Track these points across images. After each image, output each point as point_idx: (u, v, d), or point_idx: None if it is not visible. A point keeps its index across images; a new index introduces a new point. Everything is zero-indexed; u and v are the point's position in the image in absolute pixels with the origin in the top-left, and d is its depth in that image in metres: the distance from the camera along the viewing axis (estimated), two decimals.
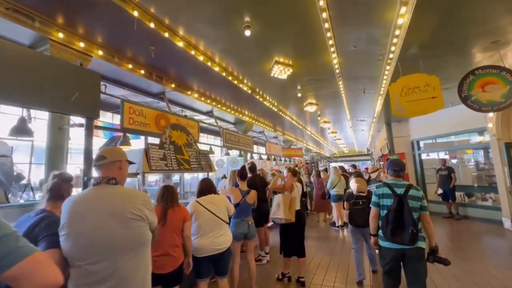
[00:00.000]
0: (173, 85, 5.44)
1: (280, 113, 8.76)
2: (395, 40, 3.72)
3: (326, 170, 9.23)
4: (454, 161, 9.05)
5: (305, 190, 6.80)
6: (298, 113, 9.51)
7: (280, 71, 5.14)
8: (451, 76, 4.71)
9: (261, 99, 7.03)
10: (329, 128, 12.99)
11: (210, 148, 6.94)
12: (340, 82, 6.08)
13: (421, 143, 9.28)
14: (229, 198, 3.13)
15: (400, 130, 9.69)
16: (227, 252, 2.63)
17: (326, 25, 3.57)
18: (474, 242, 5.36)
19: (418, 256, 2.32)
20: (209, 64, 4.66)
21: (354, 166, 8.36)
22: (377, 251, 2.69)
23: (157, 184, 8.00)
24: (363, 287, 3.45)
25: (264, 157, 10.16)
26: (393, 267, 2.42)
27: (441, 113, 8.60)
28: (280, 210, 3.46)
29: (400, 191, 2.41)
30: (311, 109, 8.19)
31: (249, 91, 6.28)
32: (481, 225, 6.57)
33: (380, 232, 2.50)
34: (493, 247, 5.06)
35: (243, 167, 3.75)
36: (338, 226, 6.79)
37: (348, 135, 15.76)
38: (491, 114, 6.05)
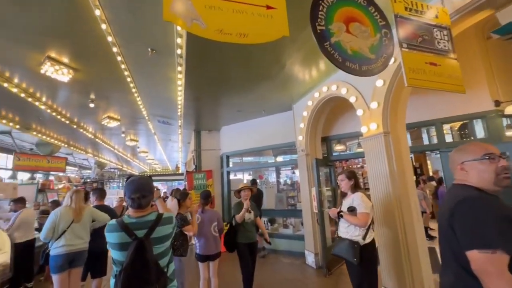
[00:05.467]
0: None
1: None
2: None
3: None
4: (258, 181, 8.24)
5: None
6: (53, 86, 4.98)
7: None
8: None
9: None
10: (123, 133, 9.04)
11: None
12: (99, 12, 2.71)
13: (231, 161, 7.76)
14: None
15: (209, 142, 7.74)
16: None
17: None
18: None
19: None
20: None
21: (100, 193, 3.90)
22: None
23: None
24: None
25: None
26: None
27: (253, 123, 6.67)
28: None
29: (141, 232, 1.55)
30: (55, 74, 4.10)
31: None
32: (286, 261, 5.31)
33: None
34: None
35: None
36: None
37: (154, 146, 12.46)
38: (302, 125, 5.12)
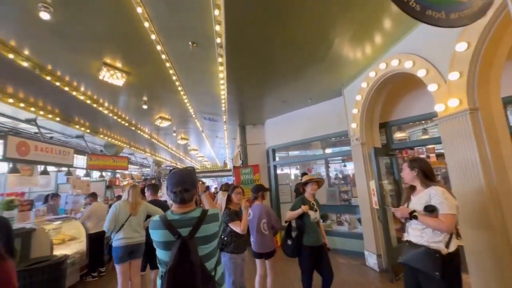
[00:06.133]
0: None
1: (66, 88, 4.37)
2: None
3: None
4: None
5: None
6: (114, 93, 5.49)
7: None
8: None
9: None
10: (174, 132, 9.58)
11: None
12: (141, 10, 2.74)
13: (277, 155, 7.51)
14: None
15: (254, 136, 7.62)
16: None
17: None
18: None
19: None
20: None
21: (154, 189, 4.18)
22: None
23: None
24: None
25: None
26: None
27: (298, 114, 6.18)
28: None
29: (185, 231, 1.41)
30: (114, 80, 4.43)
31: None
32: (342, 262, 4.85)
33: None
34: None
35: None
36: None
37: (203, 143, 12.99)
38: (355, 111, 4.56)
